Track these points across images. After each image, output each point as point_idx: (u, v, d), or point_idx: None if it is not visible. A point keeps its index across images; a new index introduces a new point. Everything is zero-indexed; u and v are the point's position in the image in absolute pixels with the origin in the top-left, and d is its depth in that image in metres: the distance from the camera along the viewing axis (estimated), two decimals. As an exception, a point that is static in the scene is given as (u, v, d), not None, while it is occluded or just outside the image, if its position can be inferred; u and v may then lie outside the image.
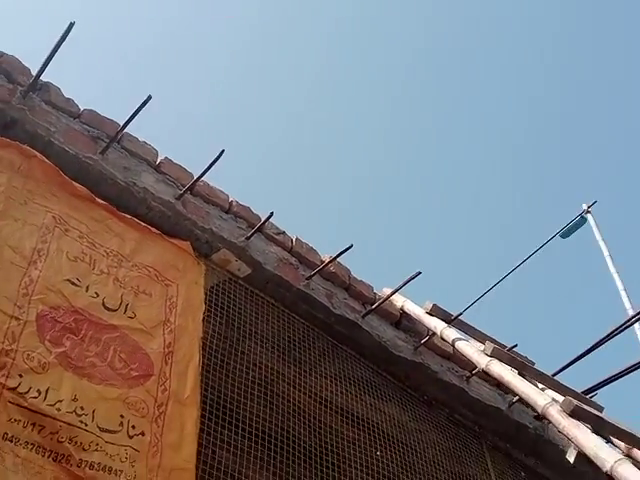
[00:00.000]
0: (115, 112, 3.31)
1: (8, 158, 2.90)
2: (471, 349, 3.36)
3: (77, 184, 3.05)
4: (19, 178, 2.90)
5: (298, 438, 3.40)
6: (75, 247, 2.89)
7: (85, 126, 3.22)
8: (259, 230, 3.49)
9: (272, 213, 3.43)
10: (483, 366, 3.21)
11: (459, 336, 3.52)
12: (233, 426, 3.16)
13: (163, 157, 3.44)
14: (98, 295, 2.81)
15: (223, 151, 3.21)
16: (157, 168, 3.38)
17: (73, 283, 2.76)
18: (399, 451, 3.73)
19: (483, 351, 3.29)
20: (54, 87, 3.25)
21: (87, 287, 2.80)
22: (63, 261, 2.80)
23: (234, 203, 3.56)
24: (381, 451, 3.67)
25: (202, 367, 3.06)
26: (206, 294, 3.31)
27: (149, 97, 3.04)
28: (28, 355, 2.47)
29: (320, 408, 3.63)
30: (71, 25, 2.84)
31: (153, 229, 3.22)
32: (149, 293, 3.00)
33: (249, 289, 3.49)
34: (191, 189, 3.35)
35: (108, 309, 2.81)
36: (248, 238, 3.43)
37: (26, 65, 3.21)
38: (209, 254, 3.41)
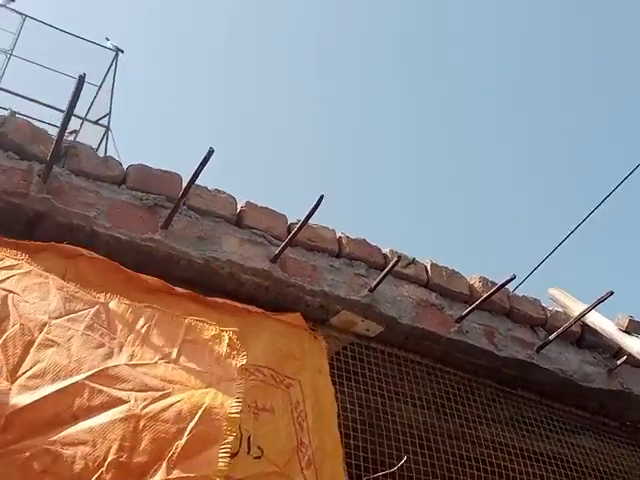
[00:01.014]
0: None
1: (46, 269, 2.10)
2: None
3: (147, 277, 2.25)
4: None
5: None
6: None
7: (135, 192, 2.39)
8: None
9: (400, 257, 2.54)
10: None
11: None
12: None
13: (243, 203, 2.59)
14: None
15: (323, 196, 2.33)
16: (239, 223, 2.53)
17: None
18: None
19: None
20: (83, 147, 2.43)
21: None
22: None
23: (344, 241, 2.69)
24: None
25: (347, 433, 2.45)
26: (332, 362, 2.55)
27: (211, 150, 2.17)
28: None
29: (496, 454, 2.89)
30: (81, 80, 1.97)
31: (254, 308, 2.41)
32: (270, 408, 2.22)
33: (385, 350, 2.68)
34: (289, 243, 2.49)
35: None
36: (372, 290, 2.58)
37: (40, 127, 2.39)
38: (326, 319, 2.59)
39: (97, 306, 1.92)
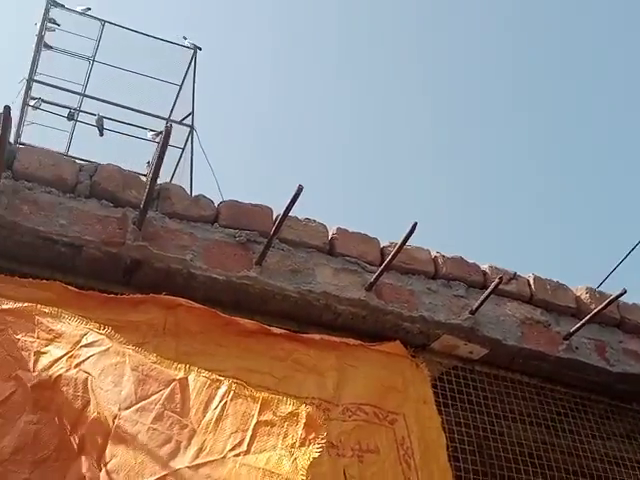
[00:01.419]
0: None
1: (146, 321, 2.15)
2: None
3: (244, 320, 2.25)
4: (168, 343, 2.15)
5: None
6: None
7: (228, 230, 2.38)
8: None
9: (502, 277, 2.44)
10: None
11: None
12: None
13: (334, 230, 2.54)
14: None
15: (416, 223, 2.26)
16: (331, 251, 2.49)
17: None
18: None
19: None
20: (175, 189, 2.43)
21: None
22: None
23: (440, 261, 2.61)
24: None
25: (456, 455, 2.40)
26: (435, 388, 2.48)
27: (301, 187, 2.13)
28: None
29: (612, 467, 2.77)
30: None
31: (352, 341, 2.38)
32: (375, 449, 2.19)
33: (490, 372, 2.59)
34: (384, 270, 2.43)
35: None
36: (474, 312, 2.49)
37: (129, 171, 2.41)
38: (427, 344, 2.52)
39: (172, 384, 1.85)
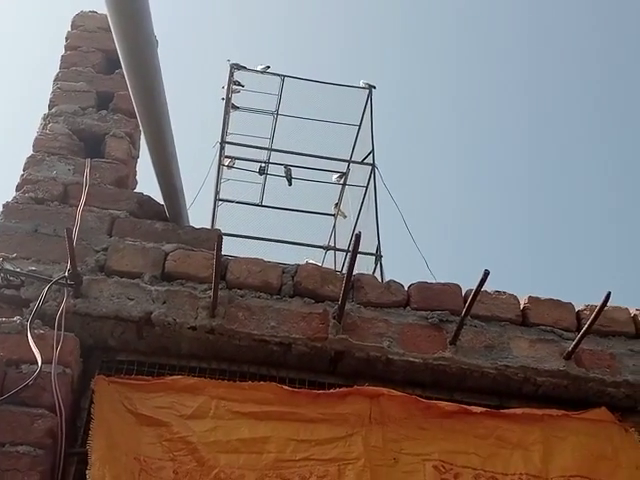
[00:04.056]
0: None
1: (353, 412, 2.31)
2: None
3: (444, 403, 2.37)
4: (375, 432, 2.30)
5: None
6: None
7: (420, 312, 2.51)
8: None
9: None
10: None
11: None
12: None
13: (525, 299, 2.58)
14: None
15: (610, 293, 2.24)
16: (525, 322, 2.53)
17: None
18: None
19: None
20: (367, 278, 2.60)
21: None
22: None
23: (641, 319, 2.55)
24: None
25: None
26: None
27: (487, 272, 2.22)
28: None
29: None
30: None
31: (555, 411, 2.40)
32: None
33: None
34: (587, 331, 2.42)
35: None
36: (685, 369, 2.41)
37: (328, 269, 2.62)
38: (635, 406, 2.47)
39: None
